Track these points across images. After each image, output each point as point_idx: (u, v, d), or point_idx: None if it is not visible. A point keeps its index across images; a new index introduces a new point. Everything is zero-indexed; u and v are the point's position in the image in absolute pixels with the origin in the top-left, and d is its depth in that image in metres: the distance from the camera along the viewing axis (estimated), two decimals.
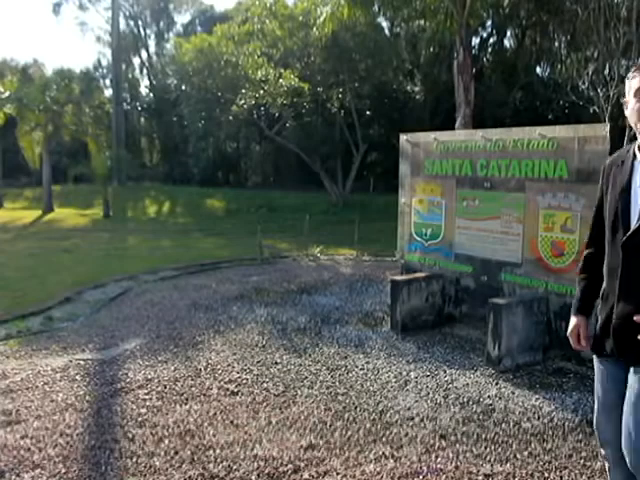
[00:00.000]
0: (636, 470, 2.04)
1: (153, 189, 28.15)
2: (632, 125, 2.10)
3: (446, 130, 7.15)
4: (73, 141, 25.10)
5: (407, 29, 21.40)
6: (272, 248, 10.94)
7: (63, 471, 3.07)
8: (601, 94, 11.33)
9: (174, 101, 28.35)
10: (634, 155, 2.12)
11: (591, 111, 12.05)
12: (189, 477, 3.01)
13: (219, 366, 4.62)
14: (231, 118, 20.92)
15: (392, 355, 4.88)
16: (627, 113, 2.13)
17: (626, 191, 2.09)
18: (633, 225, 2.04)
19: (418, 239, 6.00)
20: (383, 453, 3.22)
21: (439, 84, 21.43)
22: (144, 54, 39.61)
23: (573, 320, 2.35)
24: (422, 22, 17.76)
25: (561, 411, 3.75)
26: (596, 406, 2.29)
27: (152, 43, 40.09)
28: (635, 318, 1.96)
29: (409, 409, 3.81)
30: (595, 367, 2.31)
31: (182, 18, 43.07)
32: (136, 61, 39.88)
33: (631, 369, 2.07)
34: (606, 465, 2.36)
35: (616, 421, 2.12)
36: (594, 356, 2.29)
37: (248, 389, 4.17)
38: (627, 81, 2.13)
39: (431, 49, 20.83)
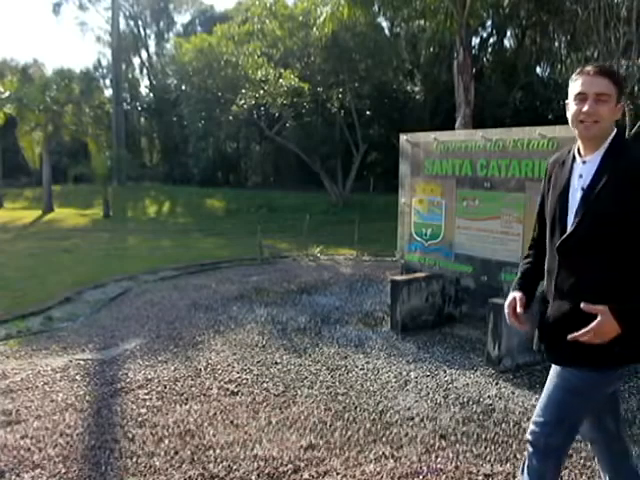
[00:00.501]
0: (533, 437, 2.16)
1: (153, 189, 28.16)
2: (571, 127, 2.10)
3: (446, 130, 7.15)
4: (73, 141, 25.11)
5: (407, 29, 21.39)
6: (272, 248, 10.94)
7: (63, 471, 3.07)
8: None
9: (174, 101, 28.35)
10: (574, 157, 2.13)
11: None
12: (189, 477, 3.01)
13: (219, 366, 4.62)
14: (231, 118, 20.92)
15: (392, 355, 4.88)
16: (567, 115, 2.12)
17: (564, 193, 2.10)
18: (569, 228, 2.05)
19: (418, 239, 6.00)
20: (383, 453, 3.22)
21: (439, 84, 21.43)
22: (144, 54, 39.65)
23: (511, 295, 2.32)
24: (422, 22, 17.73)
25: None
26: None
27: (152, 43, 40.15)
28: (582, 306, 1.96)
29: (409, 409, 3.81)
30: None
31: (182, 18, 43.15)
32: (136, 61, 39.94)
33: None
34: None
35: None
36: None
37: (248, 389, 4.17)
38: (571, 83, 2.10)
39: (431, 49, 20.83)
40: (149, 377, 4.39)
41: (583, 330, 1.95)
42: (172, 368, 4.59)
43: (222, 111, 21.25)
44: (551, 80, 18.25)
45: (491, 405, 3.87)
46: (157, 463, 3.14)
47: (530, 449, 2.19)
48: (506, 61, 21.44)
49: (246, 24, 20.85)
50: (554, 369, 2.17)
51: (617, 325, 1.93)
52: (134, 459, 3.19)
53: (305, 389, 4.16)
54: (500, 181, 5.16)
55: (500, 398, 3.99)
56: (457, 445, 3.32)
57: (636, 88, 11.98)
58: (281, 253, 10.57)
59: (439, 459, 3.16)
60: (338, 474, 3.02)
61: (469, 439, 3.39)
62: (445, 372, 4.48)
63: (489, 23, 20.47)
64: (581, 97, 2.02)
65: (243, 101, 19.19)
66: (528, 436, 2.19)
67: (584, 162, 2.08)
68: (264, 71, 18.82)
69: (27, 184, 29.52)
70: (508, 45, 22.70)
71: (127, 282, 8.02)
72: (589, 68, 2.05)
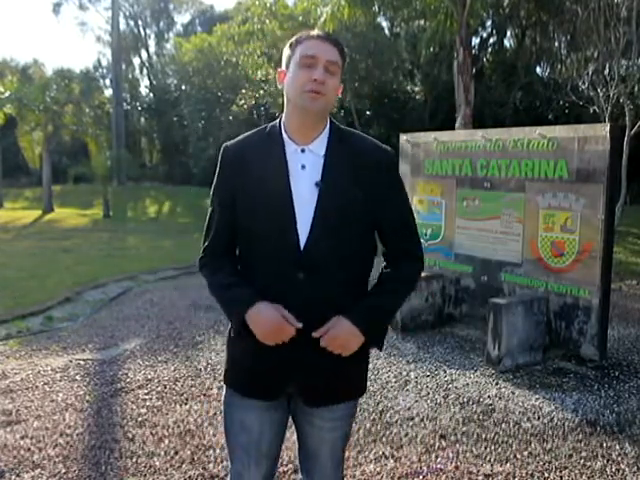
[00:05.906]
0: None
1: (153, 189, 28.16)
2: (291, 97, 1.69)
3: (446, 130, 7.15)
4: (73, 141, 25.18)
5: (407, 29, 21.40)
6: None
7: (63, 471, 3.07)
8: (601, 94, 11.34)
9: (174, 101, 28.40)
10: (282, 143, 1.68)
11: (591, 111, 12.07)
12: (189, 477, 3.00)
13: (219, 366, 4.61)
14: (231, 118, 20.95)
15: (392, 355, 4.88)
16: (286, 85, 1.70)
17: (285, 189, 1.63)
18: (303, 233, 1.63)
19: None
20: (383, 453, 3.22)
21: (439, 84, 21.43)
22: (144, 54, 39.68)
23: (265, 311, 1.62)
24: (422, 22, 17.77)
25: (561, 411, 3.75)
26: (240, 455, 1.81)
27: (152, 43, 40.19)
28: (314, 334, 1.64)
29: (409, 409, 3.81)
30: (235, 410, 1.80)
31: (182, 18, 43.30)
32: (136, 61, 39.96)
33: (306, 407, 1.75)
34: None
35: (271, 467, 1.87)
36: (231, 394, 1.81)
37: None
38: (288, 50, 1.69)
39: (431, 49, 20.82)
40: (149, 377, 4.39)
41: (326, 337, 1.64)
42: (172, 368, 4.59)
43: (222, 111, 21.30)
44: (551, 80, 18.21)
45: (491, 405, 3.87)
46: (157, 463, 3.14)
47: None
48: (506, 61, 21.45)
49: (246, 24, 20.88)
50: (316, 424, 1.77)
51: (356, 329, 1.63)
52: (134, 459, 3.19)
53: None
54: (500, 181, 5.16)
55: (500, 398, 3.99)
56: (457, 445, 3.32)
57: (636, 88, 11.99)
58: None
59: (439, 459, 3.16)
60: None
61: (469, 439, 3.39)
62: (445, 372, 4.48)
63: (489, 23, 20.49)
64: (310, 62, 1.61)
65: (243, 101, 19.23)
66: None
67: (303, 150, 1.67)
68: (264, 71, 18.83)
69: (27, 184, 29.55)
70: (508, 45, 22.74)
71: (127, 282, 8.02)
72: (315, 33, 1.66)
